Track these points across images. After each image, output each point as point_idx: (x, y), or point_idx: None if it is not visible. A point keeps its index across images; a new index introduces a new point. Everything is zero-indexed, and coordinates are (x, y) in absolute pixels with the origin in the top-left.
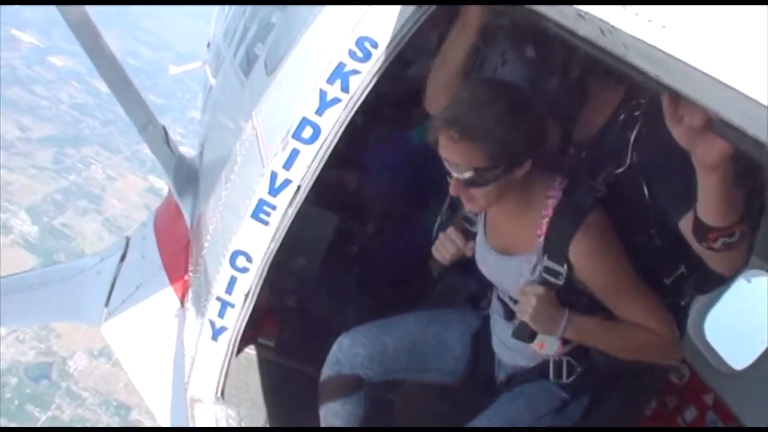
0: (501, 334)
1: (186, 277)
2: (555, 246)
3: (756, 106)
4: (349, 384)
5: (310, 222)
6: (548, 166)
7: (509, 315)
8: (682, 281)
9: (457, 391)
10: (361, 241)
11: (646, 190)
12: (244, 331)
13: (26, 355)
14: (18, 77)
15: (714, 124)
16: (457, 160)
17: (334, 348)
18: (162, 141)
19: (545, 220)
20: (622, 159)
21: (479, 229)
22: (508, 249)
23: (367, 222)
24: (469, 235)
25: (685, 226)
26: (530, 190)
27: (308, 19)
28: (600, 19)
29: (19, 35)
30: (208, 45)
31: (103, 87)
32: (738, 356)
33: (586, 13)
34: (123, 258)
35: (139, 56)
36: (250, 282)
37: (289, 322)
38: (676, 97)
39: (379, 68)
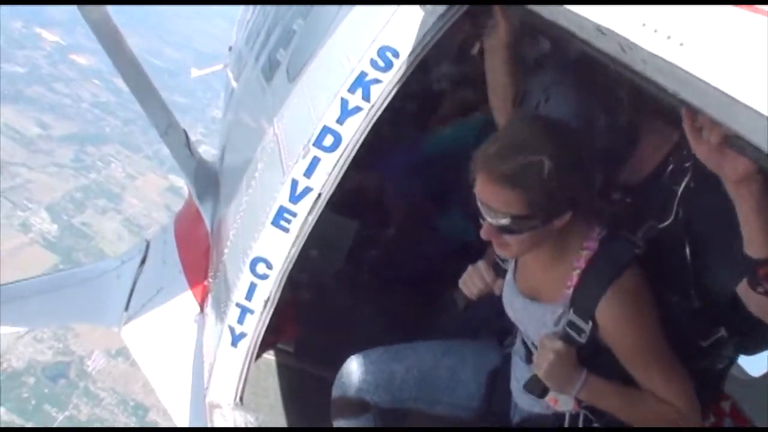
0: (520, 377)
1: (206, 283)
2: (583, 301)
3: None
4: (355, 406)
5: (331, 228)
6: (588, 213)
7: (531, 359)
8: (721, 345)
9: (469, 427)
10: (380, 246)
11: (688, 250)
12: (264, 336)
13: (44, 354)
14: (40, 75)
15: (731, 141)
16: (493, 204)
17: (342, 371)
18: (183, 145)
19: (576, 272)
20: (667, 213)
21: (509, 268)
22: (535, 295)
23: (386, 227)
24: (500, 272)
25: (742, 286)
26: (566, 238)
27: (330, 27)
28: (620, 35)
29: (43, 33)
30: (230, 48)
31: (124, 85)
32: (755, 363)
33: (607, 29)
34: (143, 262)
35: (162, 56)
36: (269, 288)
37: (308, 328)
38: (695, 113)
39: (401, 78)
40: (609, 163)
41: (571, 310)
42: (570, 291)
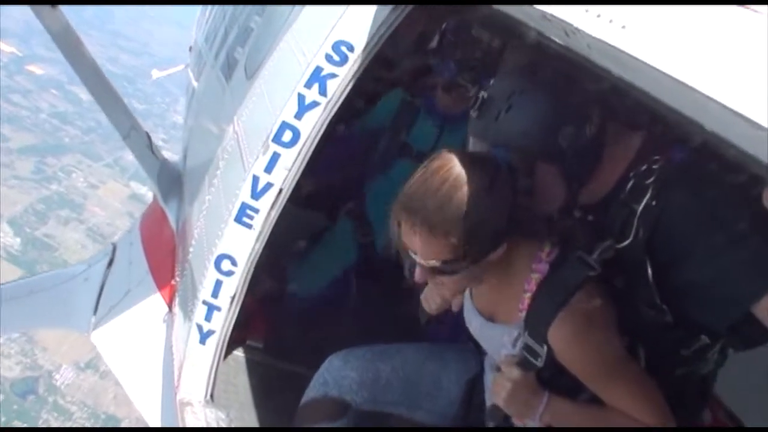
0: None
1: (173, 282)
2: (535, 325)
3: (703, 97)
4: (334, 408)
5: (296, 222)
6: (535, 232)
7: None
8: (704, 351)
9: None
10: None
11: (649, 271)
12: (232, 333)
13: (12, 370)
14: None
15: None
16: (419, 251)
17: (324, 367)
18: (146, 147)
19: (527, 295)
20: (626, 232)
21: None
22: (491, 315)
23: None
24: None
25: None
26: (512, 262)
27: (286, 23)
28: (564, 21)
29: None
30: (190, 48)
31: (83, 94)
32: None
33: (551, 15)
34: (110, 264)
35: (118, 62)
36: (235, 285)
37: (277, 323)
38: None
39: (357, 71)
40: (572, 180)
41: (526, 333)
42: (523, 314)
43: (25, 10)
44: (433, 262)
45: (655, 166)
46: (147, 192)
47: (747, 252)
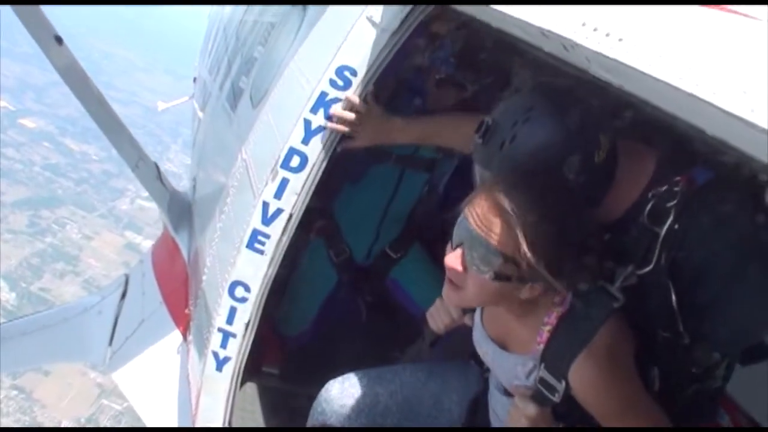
0: (496, 406)
1: (187, 311)
2: (554, 360)
3: (702, 103)
4: None
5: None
6: (575, 276)
7: (507, 391)
8: (714, 368)
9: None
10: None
11: (674, 296)
12: (248, 360)
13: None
14: None
15: None
16: (488, 233)
17: (321, 396)
18: (155, 177)
19: (547, 329)
20: (648, 257)
21: (477, 309)
22: (505, 343)
23: None
24: (467, 308)
25: None
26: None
27: (289, 51)
28: (562, 36)
29: None
30: (194, 80)
31: (75, 146)
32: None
33: (549, 31)
34: (123, 296)
35: None
36: (249, 311)
37: (292, 349)
38: None
39: (361, 94)
40: (584, 205)
41: (542, 366)
42: (540, 347)
43: (19, 66)
44: (485, 250)
45: (676, 188)
46: (142, 241)
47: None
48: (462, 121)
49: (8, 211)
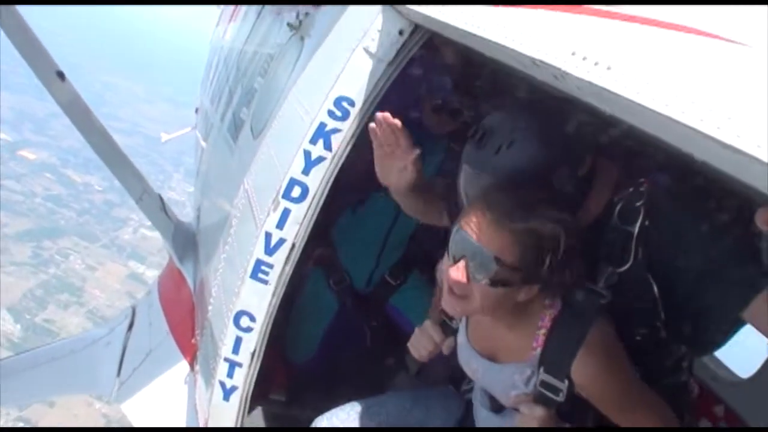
0: (485, 424)
1: (193, 341)
2: (554, 361)
3: (689, 129)
4: None
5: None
6: (564, 282)
7: (496, 407)
8: (681, 360)
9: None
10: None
11: (655, 288)
12: (255, 387)
13: None
14: None
15: None
16: (486, 242)
17: None
18: (159, 209)
19: (542, 332)
20: (626, 256)
21: (461, 327)
22: (496, 356)
23: None
24: (448, 331)
25: (758, 313)
26: (526, 302)
27: (288, 83)
28: (552, 66)
29: None
30: (197, 110)
31: (77, 177)
32: (744, 365)
33: (540, 61)
34: (131, 327)
35: None
36: (255, 341)
37: (298, 376)
38: None
39: (359, 125)
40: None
41: (541, 370)
42: (537, 351)
43: (17, 97)
44: (487, 261)
45: (642, 189)
46: (145, 271)
47: (733, 263)
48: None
49: (11, 243)
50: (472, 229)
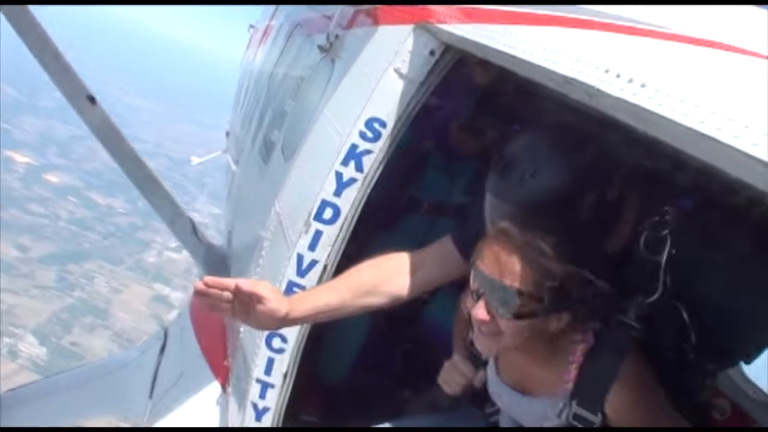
0: None
1: (226, 363)
2: (587, 395)
3: (724, 146)
4: None
5: None
6: (595, 311)
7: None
8: (707, 378)
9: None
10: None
11: (685, 315)
12: (287, 409)
13: None
14: (14, 198)
15: None
16: (502, 274)
17: None
18: (190, 232)
19: (573, 366)
20: (654, 286)
21: (490, 361)
22: (526, 389)
23: None
24: (478, 363)
25: None
26: (558, 336)
27: (319, 105)
28: (585, 84)
29: (14, 156)
30: (227, 134)
31: (101, 199)
32: None
33: (573, 79)
34: (163, 349)
35: None
36: (287, 362)
37: (331, 397)
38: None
39: (390, 145)
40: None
41: (574, 403)
42: (569, 385)
43: (41, 121)
44: (507, 294)
45: (668, 217)
46: (170, 293)
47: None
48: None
49: (35, 267)
50: (486, 264)
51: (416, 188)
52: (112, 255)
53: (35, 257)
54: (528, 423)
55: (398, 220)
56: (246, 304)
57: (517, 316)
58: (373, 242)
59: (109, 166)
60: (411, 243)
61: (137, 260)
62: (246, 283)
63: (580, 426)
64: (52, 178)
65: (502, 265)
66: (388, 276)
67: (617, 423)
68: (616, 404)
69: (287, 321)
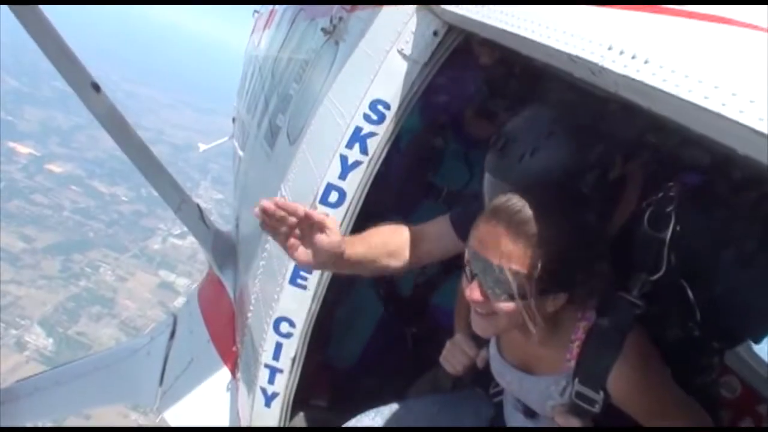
0: (520, 426)
1: (234, 348)
2: (590, 373)
3: (729, 122)
4: None
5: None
6: (594, 290)
7: (530, 413)
8: (713, 357)
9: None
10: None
11: (690, 293)
12: (296, 394)
13: None
14: (18, 189)
15: None
16: (494, 254)
17: None
18: (198, 218)
19: (576, 344)
20: (659, 263)
21: (492, 339)
22: (529, 367)
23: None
24: (481, 342)
25: None
26: (560, 311)
27: (323, 88)
28: (589, 61)
29: (16, 147)
30: (233, 120)
31: (103, 188)
32: None
33: (577, 57)
34: (172, 336)
35: None
36: (296, 346)
37: (340, 382)
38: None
39: (395, 128)
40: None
41: (576, 381)
42: (572, 363)
43: (42, 111)
44: (501, 274)
45: (672, 193)
46: (176, 279)
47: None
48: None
49: (41, 257)
50: (480, 243)
51: (434, 176)
52: (117, 243)
53: (40, 248)
54: (531, 402)
55: (416, 207)
56: (306, 233)
57: (512, 297)
58: None
59: (111, 154)
60: None
61: (142, 248)
62: (315, 212)
63: (582, 404)
64: (55, 168)
65: (495, 245)
66: (405, 243)
67: (619, 400)
68: (618, 382)
69: (339, 260)
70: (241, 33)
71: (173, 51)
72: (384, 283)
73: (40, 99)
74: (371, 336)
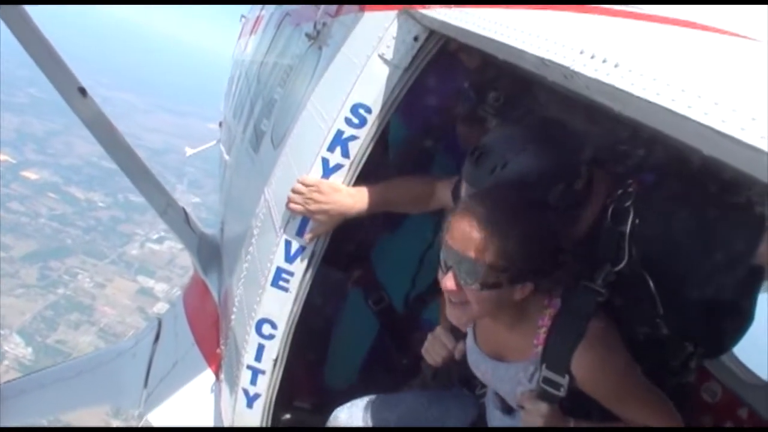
0: (497, 424)
1: (218, 351)
2: (555, 357)
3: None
4: None
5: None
6: (559, 279)
7: (507, 409)
8: (689, 359)
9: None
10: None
11: (651, 284)
12: (279, 396)
13: None
14: None
15: None
16: (467, 248)
17: (330, 422)
18: (183, 222)
19: (542, 330)
20: (620, 254)
21: (469, 331)
22: (501, 355)
23: None
24: (459, 335)
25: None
26: (526, 302)
27: (306, 92)
28: (561, 65)
29: None
30: (221, 124)
31: (80, 194)
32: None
33: (549, 61)
34: (157, 338)
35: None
36: (277, 348)
37: (323, 383)
38: None
39: (376, 131)
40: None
41: (544, 366)
42: (539, 349)
43: (17, 117)
44: (473, 266)
45: (630, 190)
46: (155, 285)
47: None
48: (410, 184)
49: (18, 266)
50: (454, 237)
51: None
52: (95, 250)
53: (17, 256)
54: (503, 390)
55: (404, 220)
56: None
57: (483, 286)
58: (380, 242)
59: (88, 160)
60: (417, 242)
61: (120, 254)
62: None
63: (549, 389)
64: (31, 174)
65: (466, 239)
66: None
67: (584, 383)
68: (581, 364)
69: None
70: (217, 35)
71: (147, 55)
72: (374, 295)
73: (16, 105)
74: (368, 355)
